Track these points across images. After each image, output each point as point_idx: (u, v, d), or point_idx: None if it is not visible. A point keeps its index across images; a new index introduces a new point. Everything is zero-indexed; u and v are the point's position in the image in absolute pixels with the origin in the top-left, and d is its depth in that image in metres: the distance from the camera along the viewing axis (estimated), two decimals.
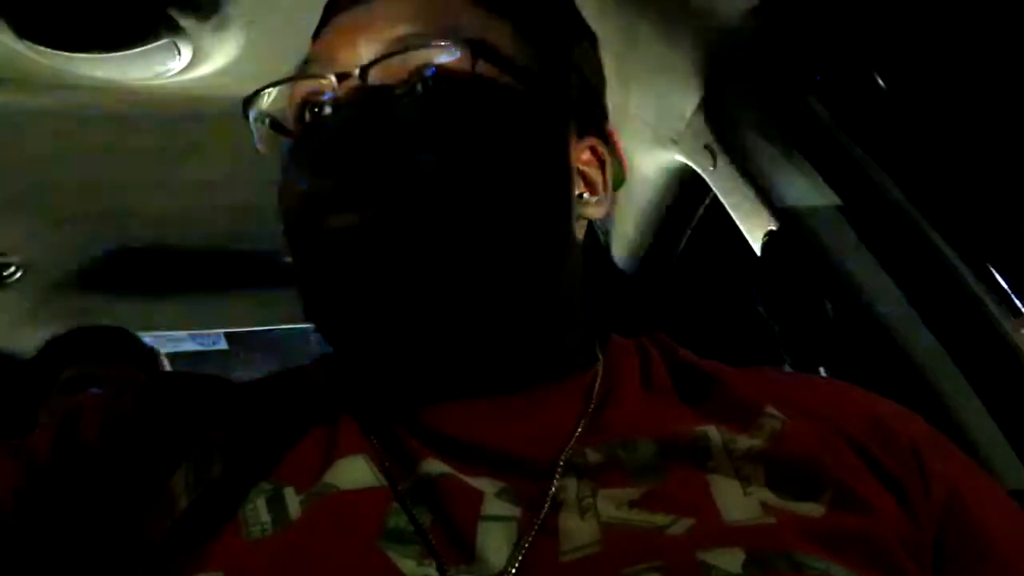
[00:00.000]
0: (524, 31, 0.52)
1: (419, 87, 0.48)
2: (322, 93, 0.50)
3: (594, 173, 0.54)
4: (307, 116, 0.52)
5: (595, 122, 0.56)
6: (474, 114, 0.48)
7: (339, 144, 0.47)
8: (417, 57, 0.48)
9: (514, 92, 0.50)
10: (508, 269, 0.47)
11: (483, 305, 0.47)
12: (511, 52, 0.50)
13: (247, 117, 0.53)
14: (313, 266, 0.48)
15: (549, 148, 0.51)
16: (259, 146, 0.54)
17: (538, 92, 0.51)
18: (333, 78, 0.49)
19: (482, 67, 0.48)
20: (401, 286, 0.45)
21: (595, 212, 0.54)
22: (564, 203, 0.52)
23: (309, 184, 0.48)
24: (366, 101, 0.48)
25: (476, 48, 0.48)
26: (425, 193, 0.45)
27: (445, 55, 0.48)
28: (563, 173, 0.52)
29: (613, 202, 0.56)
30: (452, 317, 0.47)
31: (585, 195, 0.54)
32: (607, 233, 1.37)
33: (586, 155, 0.54)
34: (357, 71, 0.48)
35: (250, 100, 0.53)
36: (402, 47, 0.48)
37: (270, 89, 0.53)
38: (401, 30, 0.49)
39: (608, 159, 0.55)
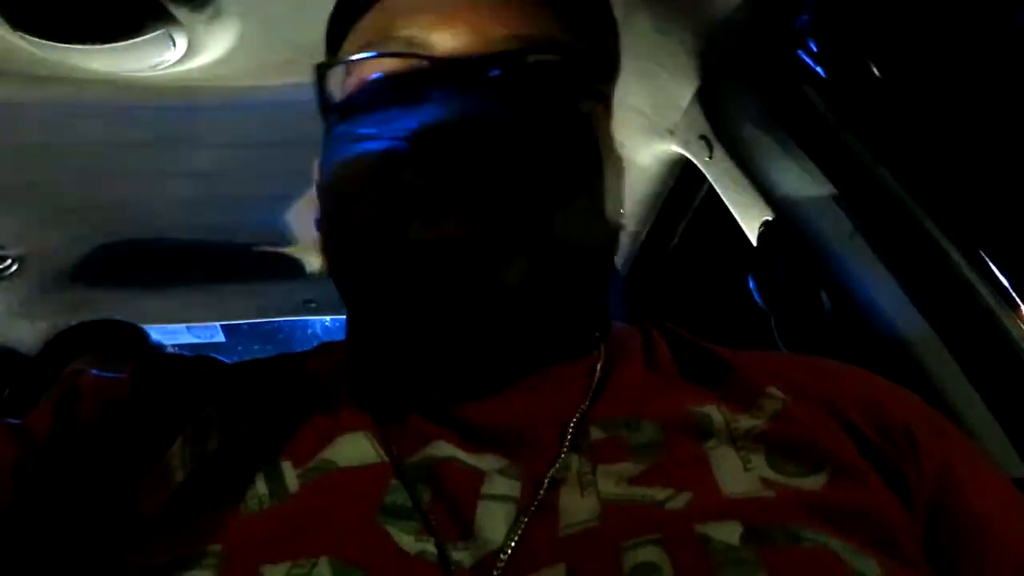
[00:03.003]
0: (591, 41, 0.53)
1: (536, 99, 0.47)
2: (425, 72, 0.47)
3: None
4: (402, 95, 0.47)
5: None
6: (579, 135, 0.49)
7: (459, 147, 0.44)
8: (534, 63, 0.48)
9: (594, 107, 0.51)
10: (580, 280, 0.49)
11: (545, 314, 0.48)
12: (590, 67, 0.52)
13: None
14: (393, 263, 0.45)
15: (615, 159, 0.52)
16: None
17: (605, 105, 0.53)
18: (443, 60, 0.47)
19: (582, 84, 0.50)
20: (481, 297, 0.44)
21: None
22: (621, 208, 0.53)
23: (416, 180, 0.44)
24: (490, 103, 0.45)
25: (585, 64, 0.49)
26: (531, 211, 0.45)
27: (558, 68, 0.48)
28: (622, 180, 0.53)
29: None
30: (515, 325, 0.47)
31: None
32: None
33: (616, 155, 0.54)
34: (479, 62, 0.47)
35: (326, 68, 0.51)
36: (521, 48, 0.48)
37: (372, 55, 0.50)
38: (515, 27, 0.48)
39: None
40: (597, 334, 0.54)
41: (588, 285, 0.51)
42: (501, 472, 0.44)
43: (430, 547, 0.41)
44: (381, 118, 0.47)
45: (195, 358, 0.58)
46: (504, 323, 0.45)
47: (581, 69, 0.50)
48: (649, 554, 0.39)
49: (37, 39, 0.86)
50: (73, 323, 1.59)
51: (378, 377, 0.52)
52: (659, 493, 0.42)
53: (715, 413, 0.48)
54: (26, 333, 1.65)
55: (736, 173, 0.94)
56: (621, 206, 0.53)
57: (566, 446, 0.45)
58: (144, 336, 1.53)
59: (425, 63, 0.47)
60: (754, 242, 0.95)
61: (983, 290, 0.76)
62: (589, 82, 0.51)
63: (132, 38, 0.87)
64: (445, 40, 0.48)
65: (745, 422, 0.47)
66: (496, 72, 0.46)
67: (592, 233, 0.48)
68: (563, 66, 0.48)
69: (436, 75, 0.47)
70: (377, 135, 0.46)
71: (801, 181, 0.88)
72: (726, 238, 1.04)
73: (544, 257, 0.45)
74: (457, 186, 0.43)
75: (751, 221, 0.95)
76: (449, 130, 0.43)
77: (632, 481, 0.43)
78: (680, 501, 0.42)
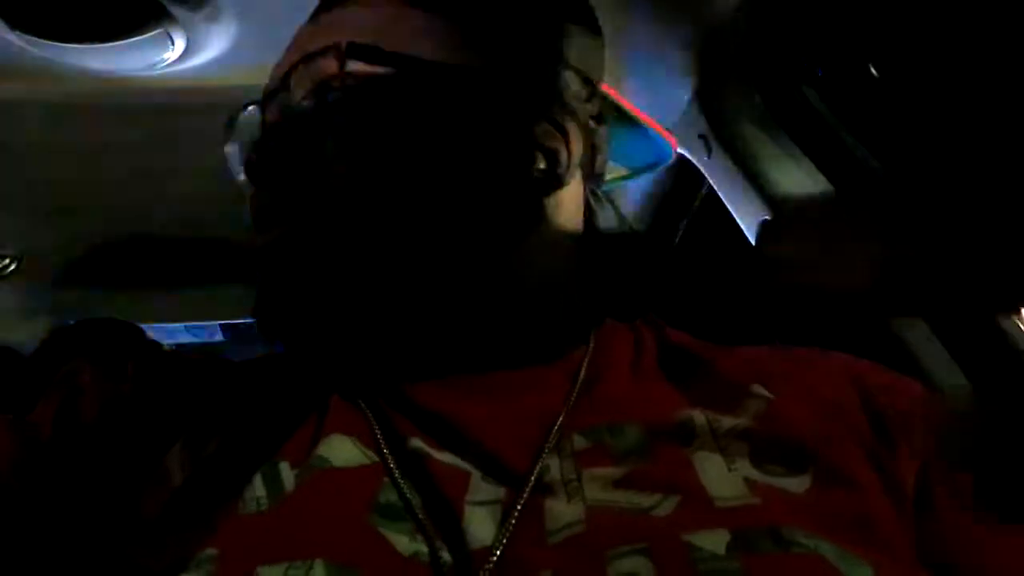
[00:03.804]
0: (446, 21, 0.52)
1: (311, 102, 0.50)
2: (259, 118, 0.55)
3: (555, 146, 0.53)
4: None
5: (554, 94, 0.54)
6: (359, 119, 0.49)
7: (251, 176, 0.52)
8: (313, 71, 0.50)
9: (403, 87, 0.49)
10: (423, 260, 0.48)
11: (411, 296, 0.48)
12: (416, 46, 0.50)
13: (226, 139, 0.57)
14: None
15: (455, 134, 0.50)
16: (235, 175, 0.58)
17: (439, 82, 0.50)
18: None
19: (361, 69, 0.49)
20: (320, 298, 0.48)
21: (565, 180, 0.53)
22: (488, 185, 0.50)
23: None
24: (273, 127, 0.53)
25: (351, 50, 0.49)
26: (310, 212, 0.48)
27: (329, 64, 0.50)
28: (485, 155, 0.50)
29: (586, 167, 0.56)
30: (382, 313, 0.49)
31: (542, 169, 0.52)
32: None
33: (543, 129, 0.52)
34: (274, 93, 0.53)
35: (226, 128, 0.56)
36: (297, 63, 0.51)
37: (246, 110, 0.56)
38: (314, 47, 0.51)
39: (573, 129, 0.53)
40: (581, 332, 0.54)
41: (463, 271, 0.49)
42: (485, 474, 0.45)
43: (423, 548, 0.41)
44: None
45: (196, 357, 0.58)
46: (351, 310, 0.49)
47: (410, 80, 0.50)
48: (634, 564, 0.39)
49: (35, 38, 0.86)
50: (71, 323, 1.58)
51: (347, 368, 0.52)
52: (645, 500, 0.42)
53: (698, 415, 0.47)
54: (25, 333, 1.65)
55: (735, 173, 0.94)
56: (493, 182, 0.50)
57: (547, 450, 0.45)
58: (140, 334, 1.53)
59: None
60: (753, 242, 0.95)
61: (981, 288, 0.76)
62: (431, 89, 0.50)
63: (130, 37, 0.87)
64: (272, 81, 0.55)
65: (728, 422, 0.47)
66: (279, 100, 0.53)
67: (419, 223, 0.48)
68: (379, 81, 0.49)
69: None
70: None
71: (799, 181, 0.88)
72: (725, 238, 1.04)
73: (375, 248, 0.48)
74: (265, 209, 0.51)
75: (749, 221, 0.95)
76: (254, 166, 0.53)
77: (617, 486, 0.43)
78: (666, 508, 0.42)
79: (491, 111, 0.51)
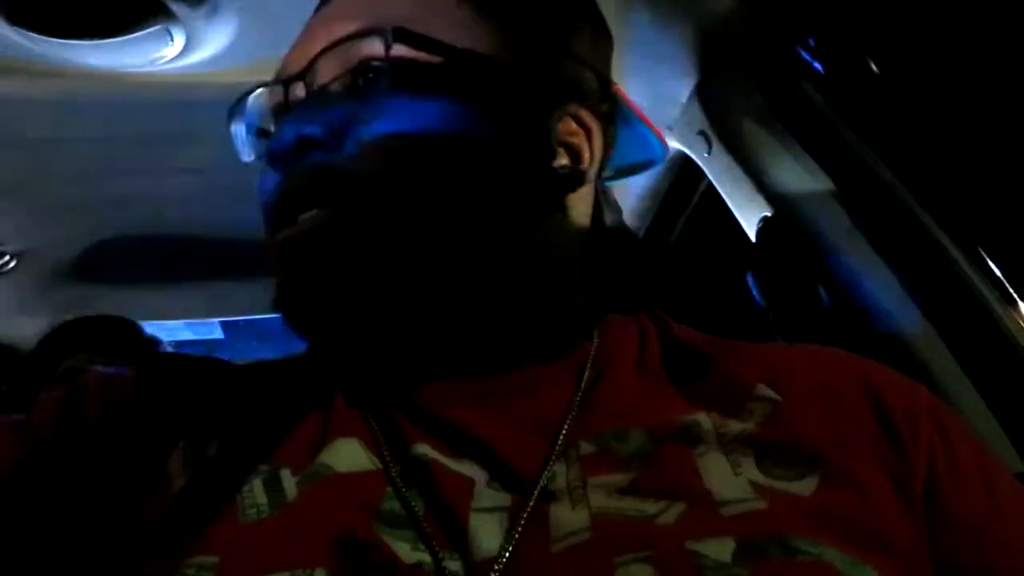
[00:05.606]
0: (476, 12, 0.52)
1: (345, 84, 0.50)
2: (279, 100, 0.52)
3: (578, 142, 0.53)
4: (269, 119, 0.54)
5: (576, 91, 0.54)
6: (402, 103, 0.48)
7: (274, 158, 0.50)
8: (348, 54, 0.49)
9: (446, 75, 0.49)
10: (456, 253, 0.48)
11: (439, 289, 0.48)
12: (449, 35, 0.50)
13: (231, 121, 0.56)
14: (279, 273, 0.50)
15: (492, 126, 0.50)
16: (244, 156, 0.56)
17: (478, 72, 0.50)
18: (281, 86, 0.52)
19: (404, 53, 0.48)
20: (354, 285, 0.47)
21: (588, 177, 0.54)
22: (520, 179, 0.50)
23: (264, 197, 0.51)
24: (300, 108, 0.51)
25: (397, 34, 0.48)
26: (353, 195, 0.47)
27: (368, 47, 0.49)
28: (517, 148, 0.50)
29: (598, 168, 0.56)
30: (411, 303, 0.48)
31: (567, 165, 0.53)
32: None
33: (567, 126, 0.53)
34: (301, 75, 0.51)
35: (233, 110, 0.55)
36: (331, 45, 0.50)
37: (254, 93, 0.55)
38: (344, 29, 0.50)
39: (595, 126, 0.54)
40: (584, 328, 0.54)
41: (487, 266, 0.49)
42: (491, 481, 0.44)
43: (426, 557, 0.41)
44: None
45: (198, 359, 0.57)
46: (384, 297, 0.48)
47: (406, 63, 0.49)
48: (639, 571, 0.38)
49: (36, 35, 0.86)
50: (70, 319, 1.58)
51: (351, 369, 0.52)
52: (650, 507, 0.42)
53: (703, 419, 0.47)
54: (26, 329, 1.65)
55: (734, 169, 0.94)
56: (519, 175, 0.50)
57: (554, 457, 0.45)
58: (138, 331, 1.53)
59: (269, 89, 0.54)
60: (753, 238, 0.95)
61: (982, 286, 0.76)
62: (424, 72, 0.50)
63: (130, 34, 0.87)
64: (291, 64, 0.53)
65: (734, 427, 0.46)
66: (306, 82, 0.51)
67: (457, 213, 0.48)
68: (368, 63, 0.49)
69: (273, 99, 0.54)
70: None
71: (799, 177, 0.88)
72: (727, 233, 1.04)
73: (396, 236, 0.47)
74: (299, 191, 0.49)
75: (749, 216, 0.95)
76: (279, 147, 0.49)
77: (622, 493, 0.43)
78: (671, 516, 0.41)
79: (520, 105, 0.51)
